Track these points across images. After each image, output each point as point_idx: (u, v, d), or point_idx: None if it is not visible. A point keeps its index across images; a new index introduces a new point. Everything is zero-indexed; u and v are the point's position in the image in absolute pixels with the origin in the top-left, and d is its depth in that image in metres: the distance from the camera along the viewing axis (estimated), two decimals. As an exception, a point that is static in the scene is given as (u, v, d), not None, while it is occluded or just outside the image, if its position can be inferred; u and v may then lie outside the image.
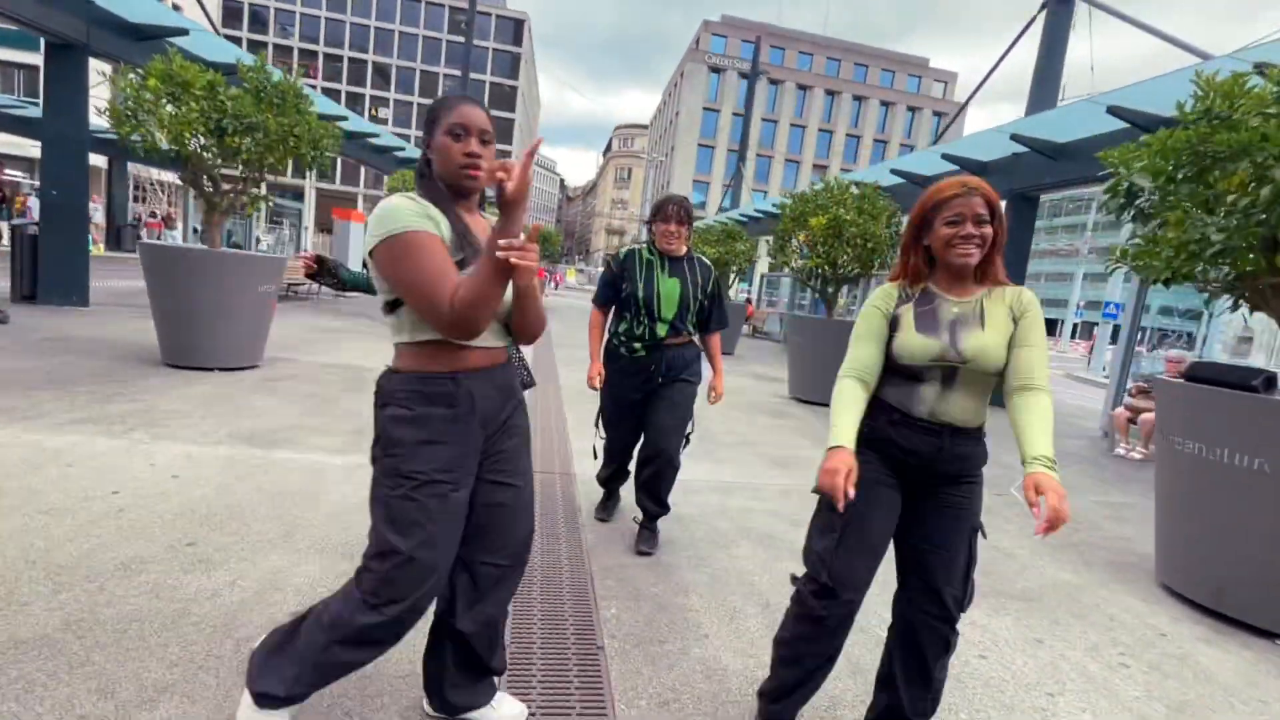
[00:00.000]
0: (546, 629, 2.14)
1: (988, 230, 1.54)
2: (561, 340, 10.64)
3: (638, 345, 2.83)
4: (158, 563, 2.24)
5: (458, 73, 44.55)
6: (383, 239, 1.27)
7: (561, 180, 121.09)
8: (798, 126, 60.56)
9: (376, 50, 59.08)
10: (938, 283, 1.64)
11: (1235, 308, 3.02)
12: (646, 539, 2.88)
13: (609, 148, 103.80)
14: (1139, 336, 7.93)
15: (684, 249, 2.88)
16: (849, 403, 1.59)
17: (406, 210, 1.29)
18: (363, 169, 49.41)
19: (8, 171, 24.85)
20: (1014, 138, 7.97)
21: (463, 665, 1.56)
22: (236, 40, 51.42)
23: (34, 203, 17.22)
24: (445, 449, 1.36)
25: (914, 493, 1.64)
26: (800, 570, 1.71)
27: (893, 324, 1.62)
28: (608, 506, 3.25)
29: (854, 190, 7.14)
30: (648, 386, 2.86)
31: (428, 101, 58.94)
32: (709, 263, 3.02)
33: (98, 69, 7.59)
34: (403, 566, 1.32)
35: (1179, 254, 2.76)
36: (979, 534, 1.64)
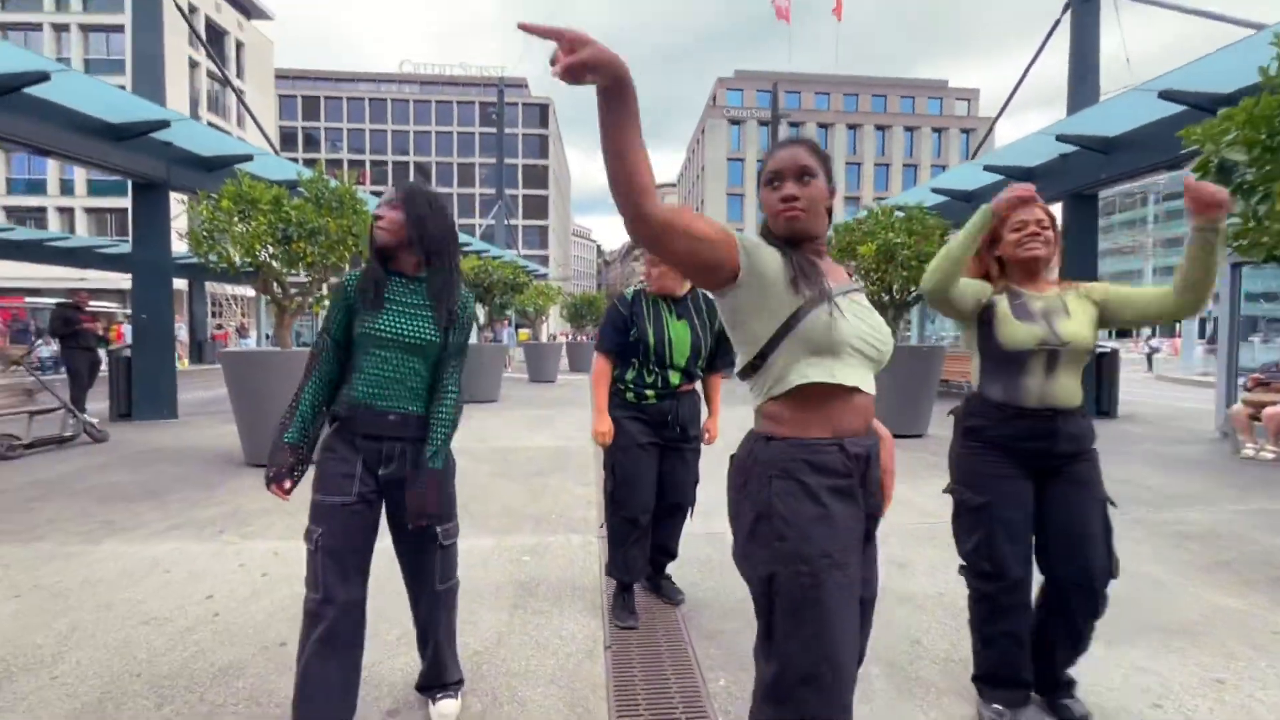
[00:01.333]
0: (653, 705, 1.97)
1: (1050, 233, 1.82)
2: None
3: (650, 393, 2.54)
4: (254, 666, 2.20)
5: (492, 160, 47.27)
6: None
7: (598, 246, 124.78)
8: (824, 163, 60.94)
9: (416, 151, 63.55)
10: (1017, 283, 1.87)
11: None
12: (673, 589, 2.79)
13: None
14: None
15: (684, 287, 2.58)
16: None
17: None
18: (412, 260, 52.17)
19: (95, 303, 27.34)
20: (1061, 138, 7.71)
21: None
22: (293, 160, 56.27)
23: (127, 329, 18.82)
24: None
25: (1040, 477, 1.82)
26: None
27: (986, 311, 1.83)
28: (630, 607, 2.58)
29: (899, 214, 6.99)
30: (665, 435, 2.57)
31: (466, 190, 62.66)
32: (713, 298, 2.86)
33: (177, 199, 8.35)
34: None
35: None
36: (1109, 504, 1.83)
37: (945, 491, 1.97)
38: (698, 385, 2.72)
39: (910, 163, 60.88)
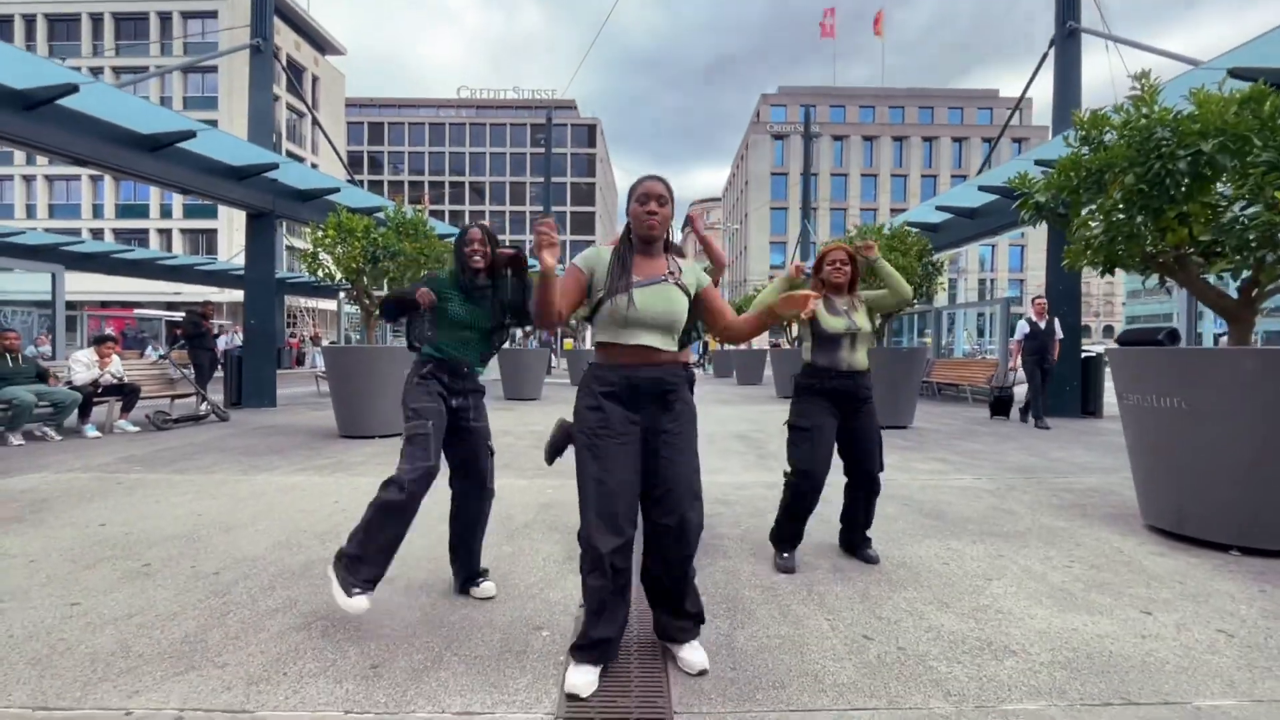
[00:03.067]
0: (617, 553, 3.17)
1: (848, 268, 3.09)
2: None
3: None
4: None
5: (541, 179, 49.97)
6: None
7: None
8: (869, 176, 61.04)
9: (472, 171, 66.84)
10: (830, 294, 3.09)
11: (1161, 283, 3.68)
12: None
13: (687, 223, 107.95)
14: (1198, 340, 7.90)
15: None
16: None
17: (588, 252, 2.13)
18: (466, 275, 54.98)
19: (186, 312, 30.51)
20: (1039, 162, 8.53)
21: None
22: (360, 183, 60.63)
23: (220, 340, 21.26)
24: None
25: (845, 415, 2.99)
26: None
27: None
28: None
29: (886, 232, 7.99)
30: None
31: (517, 208, 65.53)
32: None
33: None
34: None
35: (1086, 247, 3.54)
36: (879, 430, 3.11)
37: (785, 424, 3.11)
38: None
39: (959, 173, 60.07)
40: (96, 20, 38.27)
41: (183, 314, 12.00)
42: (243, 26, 10.42)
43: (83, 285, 33.95)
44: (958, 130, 61.40)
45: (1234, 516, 3.15)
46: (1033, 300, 8.64)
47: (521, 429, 7.69)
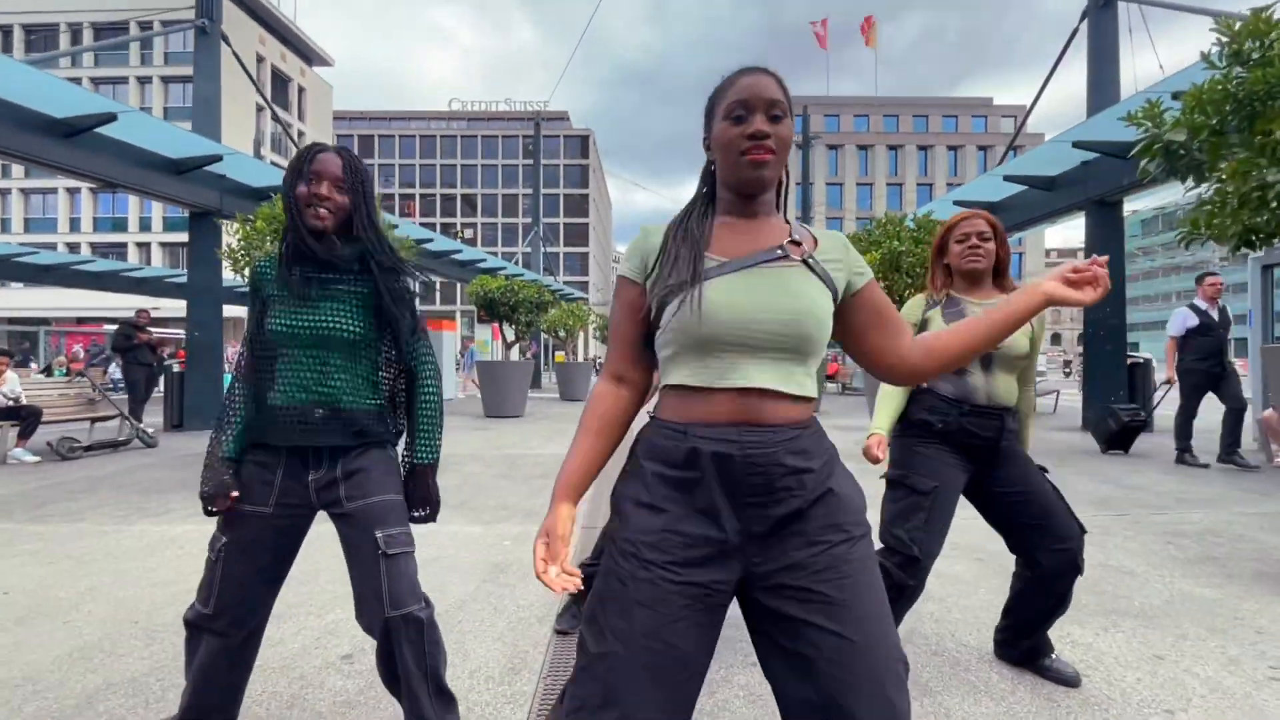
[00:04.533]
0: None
1: (990, 245, 1.94)
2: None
3: None
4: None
5: (533, 190, 49.14)
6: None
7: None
8: (864, 185, 60.61)
9: (463, 184, 66.13)
10: (960, 290, 2.00)
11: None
12: None
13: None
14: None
15: None
16: (890, 395, 2.01)
17: (627, 249, 1.13)
18: (457, 287, 54.12)
19: (159, 329, 29.35)
20: (1078, 144, 7.60)
21: None
22: (349, 196, 59.31)
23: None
24: None
25: (979, 466, 1.95)
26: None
27: (923, 326, 1.99)
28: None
29: (909, 224, 7.02)
30: None
31: (511, 220, 64.75)
32: None
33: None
34: None
35: (1244, 207, 2.51)
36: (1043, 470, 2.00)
37: (883, 477, 2.05)
38: None
39: (955, 181, 59.72)
40: (75, 30, 37.42)
41: (177, 331, 10.90)
42: (189, 19, 9.44)
43: (52, 301, 32.82)
44: (953, 139, 61.11)
45: None
46: (1200, 280, 5.87)
47: (492, 453, 6.61)
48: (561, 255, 61.94)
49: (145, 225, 37.99)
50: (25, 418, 6.19)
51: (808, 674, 0.90)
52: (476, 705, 1.86)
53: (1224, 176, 2.58)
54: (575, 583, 0.94)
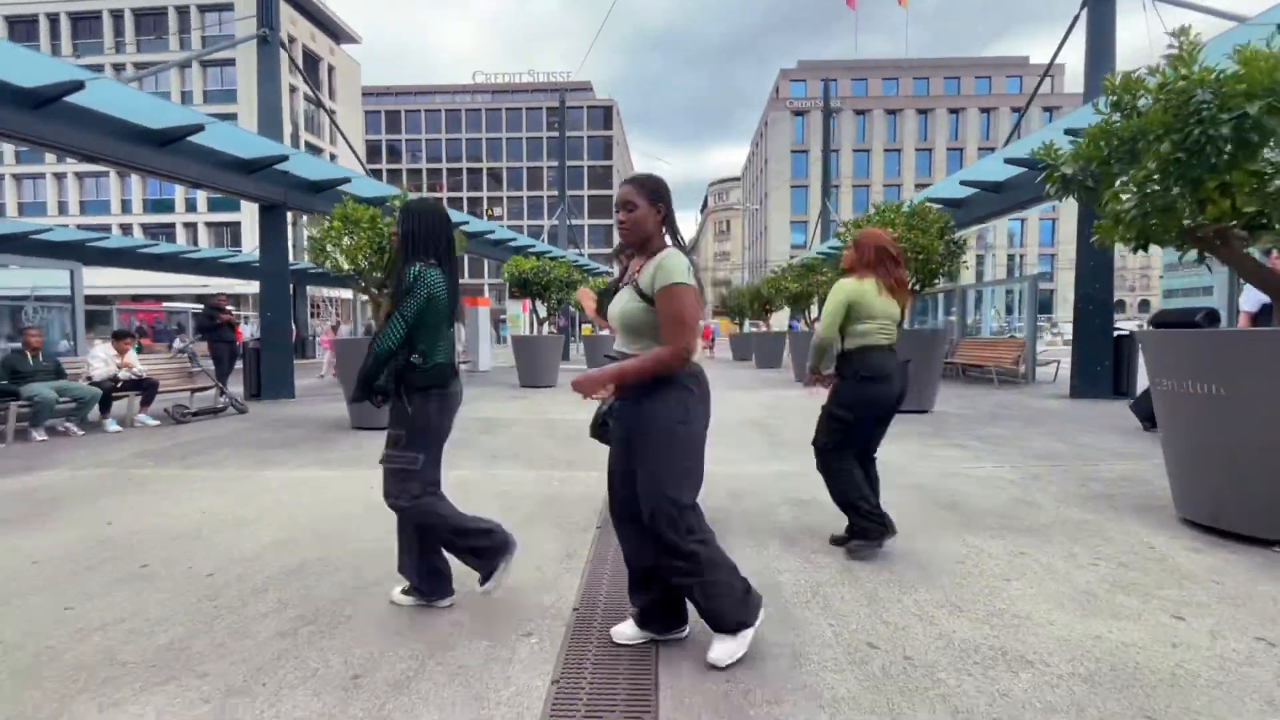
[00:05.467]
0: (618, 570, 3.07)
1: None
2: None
3: None
4: (360, 530, 3.46)
5: (557, 162, 49.66)
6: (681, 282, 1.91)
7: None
8: (892, 151, 59.52)
9: (489, 157, 66.74)
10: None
11: (1201, 259, 3.43)
12: None
13: (705, 205, 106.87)
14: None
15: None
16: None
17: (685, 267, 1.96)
18: (485, 261, 55.30)
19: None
20: (1069, 132, 8.11)
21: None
22: (379, 172, 61.12)
23: (245, 329, 21.58)
24: None
25: None
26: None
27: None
28: None
29: (905, 210, 7.69)
30: None
31: (536, 193, 65.37)
32: None
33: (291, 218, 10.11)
34: None
35: (1116, 222, 3.30)
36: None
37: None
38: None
39: (986, 145, 58.22)
40: (117, 16, 38.76)
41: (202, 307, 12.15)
42: (251, 17, 10.35)
43: (113, 280, 34.81)
44: (985, 100, 59.39)
45: (1276, 511, 2.94)
46: (1270, 253, 5.45)
47: (532, 417, 7.64)
48: (586, 228, 62.51)
49: (191, 206, 39.74)
50: (146, 388, 7.39)
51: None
52: (546, 576, 2.84)
53: (1107, 200, 3.36)
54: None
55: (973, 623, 2.31)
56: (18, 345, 6.50)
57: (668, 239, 2.07)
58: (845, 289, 2.98)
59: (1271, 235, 3.03)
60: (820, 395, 3.27)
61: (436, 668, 2.05)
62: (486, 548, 2.44)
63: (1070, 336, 21.18)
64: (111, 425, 6.96)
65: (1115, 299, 8.92)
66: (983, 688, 1.90)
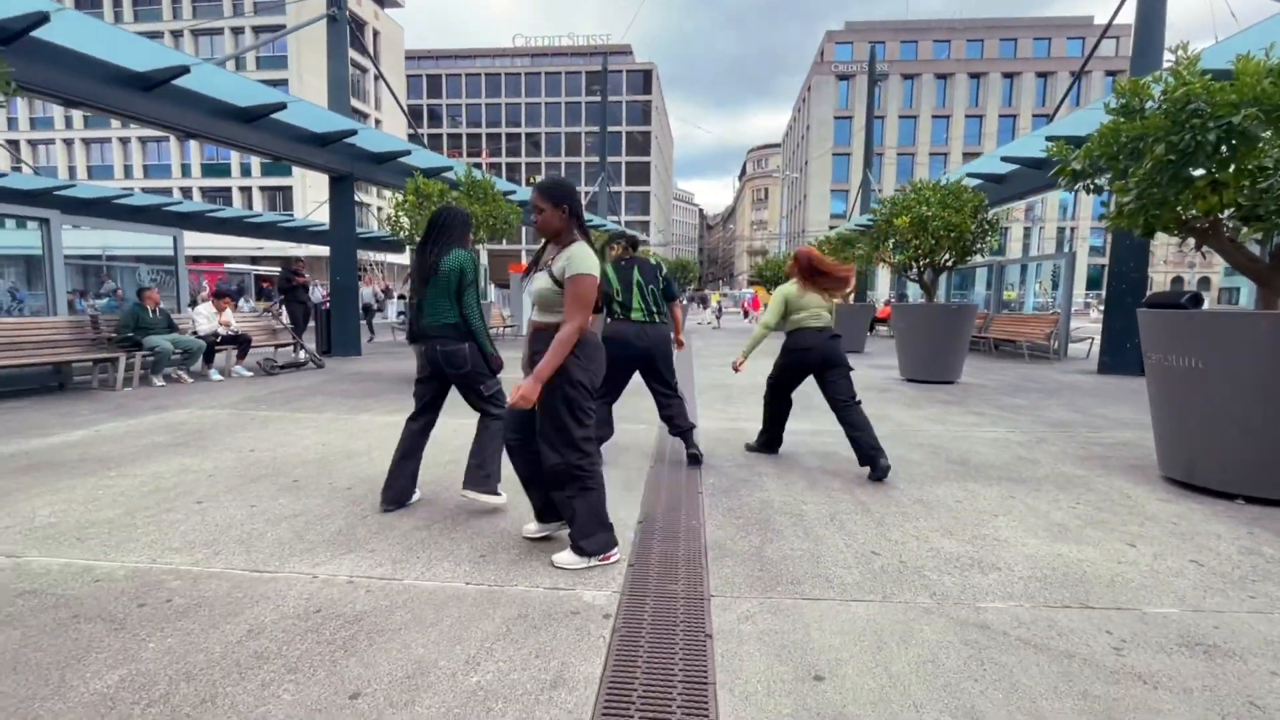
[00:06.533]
0: (668, 515, 3.73)
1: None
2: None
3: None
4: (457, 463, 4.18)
5: (597, 128, 49.34)
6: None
7: (700, 210, 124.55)
8: (940, 117, 57.51)
9: (528, 122, 66.83)
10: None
11: (1197, 247, 3.82)
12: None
13: (744, 172, 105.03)
14: None
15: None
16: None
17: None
18: (523, 229, 56.04)
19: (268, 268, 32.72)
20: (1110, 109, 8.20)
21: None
22: (419, 137, 61.97)
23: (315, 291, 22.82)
24: None
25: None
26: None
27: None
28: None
29: (940, 187, 7.99)
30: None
31: (574, 159, 65.44)
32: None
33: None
34: None
35: (1119, 213, 3.71)
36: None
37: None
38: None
39: (1041, 113, 55.73)
40: (174, -18, 39.87)
41: (275, 269, 13.13)
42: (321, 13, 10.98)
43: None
44: (1043, 64, 56.61)
45: (1242, 468, 3.40)
46: None
47: (582, 378, 8.33)
48: (624, 194, 62.47)
49: (246, 170, 41.26)
50: (241, 343, 8.32)
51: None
52: (611, 504, 3.51)
53: (1115, 193, 3.76)
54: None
55: (959, 543, 2.89)
56: (139, 302, 7.41)
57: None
58: (781, 292, 4.18)
59: (1258, 226, 3.42)
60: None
61: (541, 553, 2.74)
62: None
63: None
64: (215, 375, 7.91)
65: (1175, 276, 9.02)
66: (958, 581, 2.49)
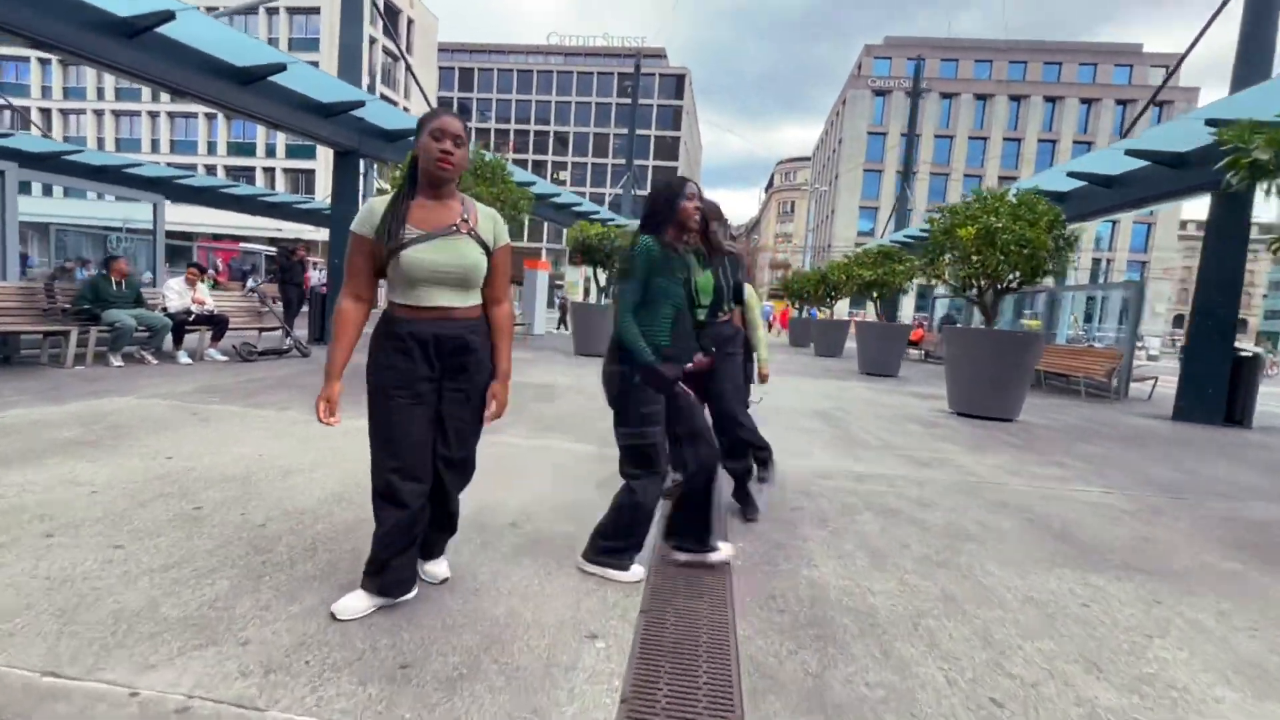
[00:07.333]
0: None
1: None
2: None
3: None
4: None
5: (625, 130, 48.79)
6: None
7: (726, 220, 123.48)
8: (977, 139, 56.08)
9: (556, 121, 66.46)
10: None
11: None
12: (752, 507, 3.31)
13: (771, 183, 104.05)
14: None
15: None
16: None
17: (360, 213, 1.92)
18: (545, 226, 55.49)
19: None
20: (1210, 122, 7.18)
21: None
22: (448, 129, 61.36)
23: (313, 275, 22.26)
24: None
25: None
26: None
27: None
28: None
29: (1011, 199, 7.00)
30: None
31: (601, 160, 64.83)
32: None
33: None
34: None
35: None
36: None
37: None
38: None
39: (1083, 139, 54.17)
40: (214, -39, 39.88)
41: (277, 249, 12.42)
42: (337, -41, 10.26)
43: (197, 217, 36.48)
44: (1088, 90, 55.00)
45: None
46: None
47: (591, 387, 7.42)
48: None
49: (270, 151, 41.12)
50: (217, 324, 7.53)
51: (444, 425, 2.06)
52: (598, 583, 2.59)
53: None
54: (337, 421, 2.02)
55: (1116, 690, 1.93)
56: (104, 272, 6.65)
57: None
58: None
59: None
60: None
61: (491, 666, 1.82)
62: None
63: (1155, 352, 19.50)
64: (183, 357, 7.12)
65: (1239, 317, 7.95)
66: (1152, 783, 1.53)
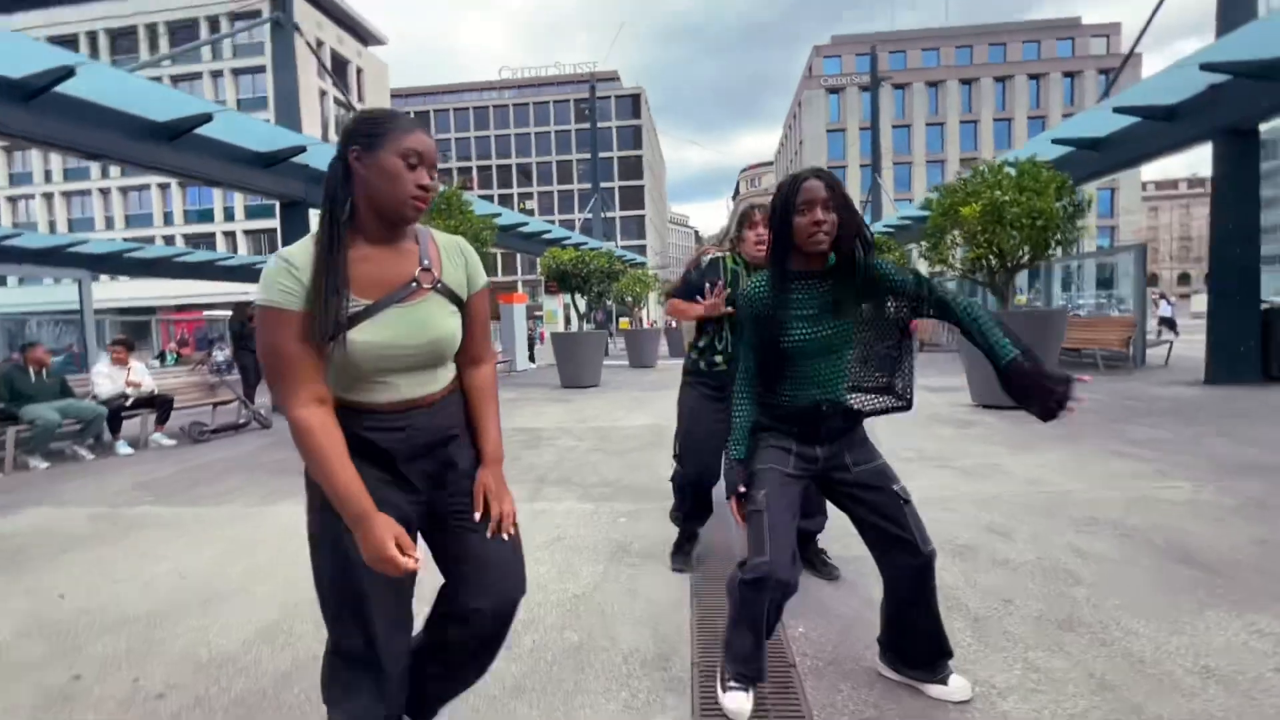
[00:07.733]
0: (733, 648, 2.11)
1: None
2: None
3: (719, 359, 2.70)
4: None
5: (588, 155, 48.54)
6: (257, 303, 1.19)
7: (696, 232, 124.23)
8: (934, 125, 56.84)
9: (518, 153, 66.45)
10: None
11: None
12: (822, 562, 2.71)
13: (737, 192, 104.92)
14: None
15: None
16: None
17: (271, 276, 1.17)
18: (518, 257, 54.99)
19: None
20: (1207, 67, 6.78)
21: None
22: (409, 173, 60.79)
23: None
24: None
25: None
26: None
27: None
28: (685, 553, 2.85)
29: (1009, 170, 6.50)
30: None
31: (567, 187, 64.70)
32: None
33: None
34: None
35: None
36: None
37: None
38: None
39: (1037, 114, 55.15)
40: (152, 30, 39.40)
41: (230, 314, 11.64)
42: (262, 16, 9.70)
43: (158, 290, 35.45)
44: (1034, 66, 56.07)
45: None
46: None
47: (580, 426, 6.73)
48: (618, 220, 61.62)
49: (229, 215, 40.35)
50: (160, 406, 6.76)
51: (463, 558, 1.39)
52: (640, 692, 1.91)
53: None
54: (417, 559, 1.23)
55: None
56: (19, 362, 5.89)
57: None
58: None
59: None
60: None
61: None
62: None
63: (1167, 313, 19.13)
64: (123, 448, 6.33)
65: (1181, 273, 7.49)
66: None
